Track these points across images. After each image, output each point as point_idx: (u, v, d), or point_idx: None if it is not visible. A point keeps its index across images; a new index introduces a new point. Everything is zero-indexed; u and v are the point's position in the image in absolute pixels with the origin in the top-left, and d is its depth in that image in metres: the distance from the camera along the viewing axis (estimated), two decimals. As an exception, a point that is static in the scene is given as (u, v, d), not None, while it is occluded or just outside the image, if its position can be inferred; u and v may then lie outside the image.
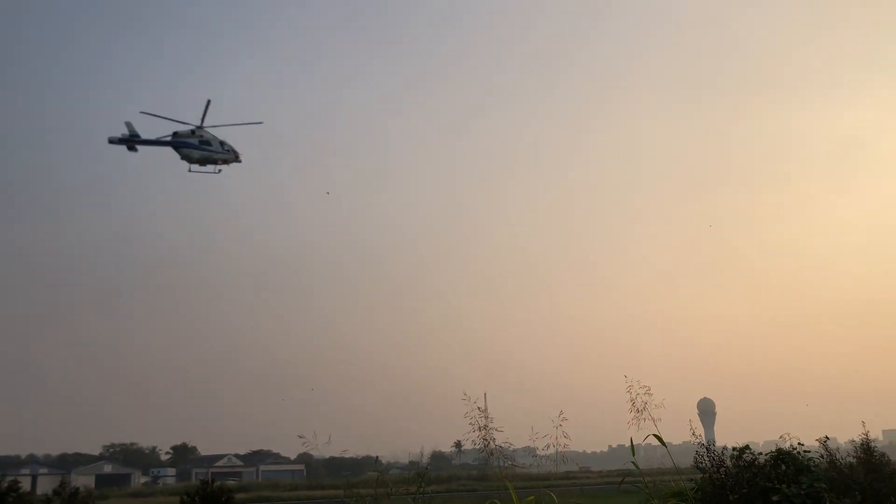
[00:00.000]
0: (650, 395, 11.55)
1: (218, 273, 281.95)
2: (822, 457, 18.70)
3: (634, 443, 11.91)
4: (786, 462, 17.50)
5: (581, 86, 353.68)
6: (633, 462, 11.30)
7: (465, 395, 10.30)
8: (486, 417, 10.41)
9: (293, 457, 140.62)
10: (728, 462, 17.94)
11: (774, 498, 15.85)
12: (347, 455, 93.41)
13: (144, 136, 47.04)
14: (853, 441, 19.99)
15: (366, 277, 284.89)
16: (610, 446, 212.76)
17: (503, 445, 10.49)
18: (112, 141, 46.42)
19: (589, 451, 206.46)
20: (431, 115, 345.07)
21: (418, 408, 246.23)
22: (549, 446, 10.97)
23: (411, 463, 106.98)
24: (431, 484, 28.01)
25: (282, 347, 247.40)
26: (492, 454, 10.10)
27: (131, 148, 46.80)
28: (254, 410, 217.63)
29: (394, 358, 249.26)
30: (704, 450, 18.33)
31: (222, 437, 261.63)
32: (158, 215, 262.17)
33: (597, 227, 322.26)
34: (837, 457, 18.72)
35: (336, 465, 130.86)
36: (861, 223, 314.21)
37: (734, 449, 18.47)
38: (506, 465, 10.29)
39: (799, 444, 18.53)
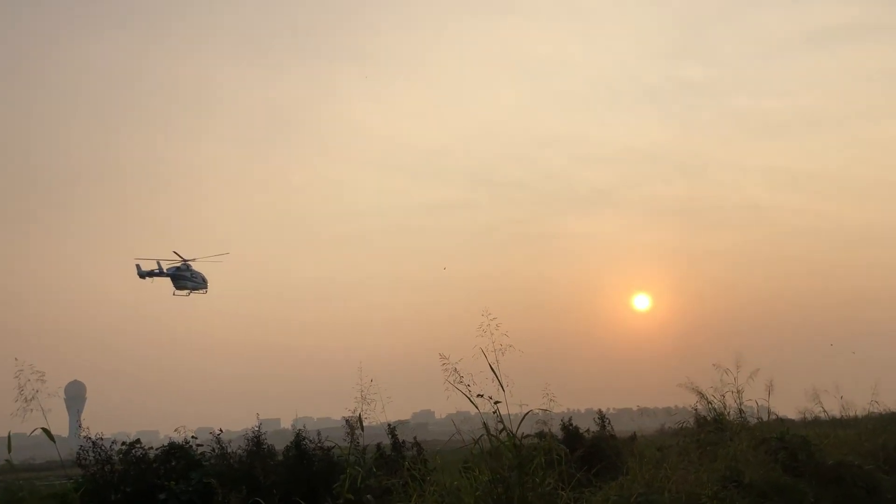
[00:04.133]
0: (43, 381, 11.75)
1: None
2: (213, 450, 21.21)
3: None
4: (177, 457, 19.38)
5: None
6: (7, 460, 11.55)
7: None
8: None
9: None
10: (115, 457, 18.93)
11: (161, 496, 17.37)
12: None
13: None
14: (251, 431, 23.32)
15: None
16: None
17: None
18: (141, 275, 66.27)
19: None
20: None
21: None
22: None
23: None
24: None
25: None
26: None
27: (142, 277, 66.59)
28: None
29: None
30: (90, 444, 18.98)
31: None
32: None
33: None
34: (230, 449, 21.55)
35: None
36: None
37: (123, 443, 19.56)
38: None
39: (193, 437, 20.70)
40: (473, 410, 14.21)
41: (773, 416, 25.70)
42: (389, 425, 23.63)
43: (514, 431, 13.34)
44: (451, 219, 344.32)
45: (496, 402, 13.68)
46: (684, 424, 24.15)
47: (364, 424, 18.45)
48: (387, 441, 24.20)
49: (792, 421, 30.19)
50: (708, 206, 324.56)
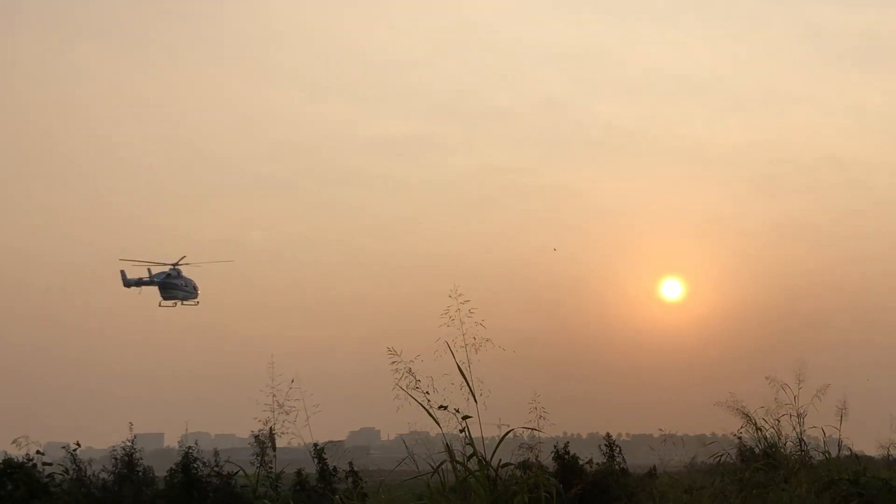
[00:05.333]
0: None
1: None
2: (67, 472, 20.81)
3: None
4: (15, 480, 18.98)
5: None
6: None
7: None
8: None
9: None
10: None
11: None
12: None
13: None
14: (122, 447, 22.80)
15: None
16: None
17: None
18: (127, 284, 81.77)
19: None
20: None
21: None
22: None
23: None
24: None
25: None
26: None
27: (127, 286, 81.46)
28: None
29: None
30: None
31: None
32: None
33: None
34: (91, 472, 21.16)
35: None
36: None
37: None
38: None
39: (38, 452, 20.27)
40: (433, 429, 13.85)
41: (846, 451, 25.62)
42: (316, 446, 23.26)
43: (489, 459, 13.07)
44: (411, 162, 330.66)
45: (465, 418, 13.37)
46: (723, 458, 24.06)
47: (279, 443, 18.10)
48: (312, 468, 23.83)
49: (870, 458, 30.18)
50: (772, 159, 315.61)
